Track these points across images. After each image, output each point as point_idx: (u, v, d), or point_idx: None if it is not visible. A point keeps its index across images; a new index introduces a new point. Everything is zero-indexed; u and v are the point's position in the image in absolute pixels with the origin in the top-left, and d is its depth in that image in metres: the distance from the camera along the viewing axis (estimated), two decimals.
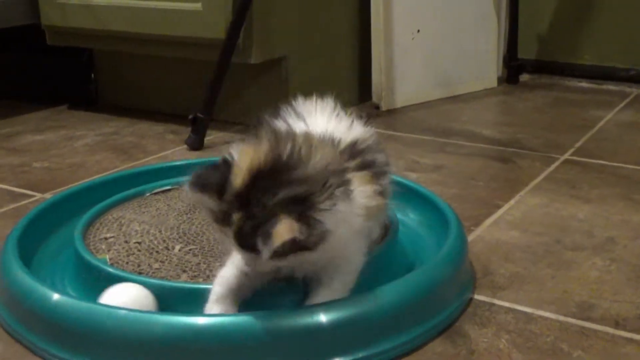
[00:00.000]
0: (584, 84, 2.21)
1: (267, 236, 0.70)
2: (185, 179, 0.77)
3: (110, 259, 0.98)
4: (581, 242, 1.16)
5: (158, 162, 1.54)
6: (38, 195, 1.39)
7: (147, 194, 1.20)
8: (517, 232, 1.20)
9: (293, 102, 0.93)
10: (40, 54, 2.04)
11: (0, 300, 0.93)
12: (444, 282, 0.92)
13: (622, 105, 1.99)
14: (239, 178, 0.74)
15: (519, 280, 1.04)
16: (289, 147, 0.76)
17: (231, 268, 0.84)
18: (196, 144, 1.65)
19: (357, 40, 1.98)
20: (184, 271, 0.95)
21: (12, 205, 1.34)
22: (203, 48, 1.67)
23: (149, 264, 0.96)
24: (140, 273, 0.94)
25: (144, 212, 1.13)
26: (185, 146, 1.66)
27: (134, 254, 1.00)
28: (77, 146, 1.70)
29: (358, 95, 2.00)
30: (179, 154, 1.63)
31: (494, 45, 2.14)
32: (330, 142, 0.82)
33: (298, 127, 0.85)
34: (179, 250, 1.00)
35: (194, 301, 0.84)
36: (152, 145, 1.70)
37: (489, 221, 1.25)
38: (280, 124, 0.87)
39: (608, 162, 1.54)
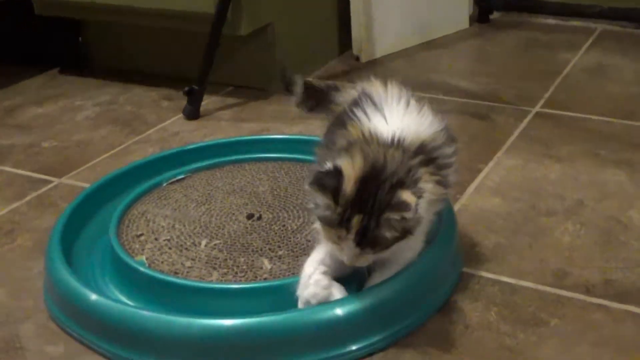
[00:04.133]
0: (551, 21, 2.32)
1: (400, 203, 0.86)
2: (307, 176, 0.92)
3: (146, 259, 1.11)
4: (554, 206, 1.31)
5: (161, 142, 1.65)
6: (56, 181, 1.49)
7: (164, 184, 1.32)
8: (498, 198, 1.34)
9: (370, 88, 1.04)
10: (29, 16, 2.07)
11: (49, 297, 1.07)
12: (442, 264, 1.07)
13: (587, 44, 2.11)
14: (350, 185, 0.87)
15: (502, 251, 1.19)
16: (376, 157, 0.90)
17: (321, 253, 0.98)
18: (193, 114, 1.75)
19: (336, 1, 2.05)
20: (214, 268, 1.08)
21: (34, 194, 1.45)
22: (193, 20, 1.75)
23: (181, 263, 1.10)
24: (176, 273, 1.07)
25: (165, 205, 1.26)
26: (182, 116, 1.76)
27: (165, 252, 1.13)
28: (80, 120, 1.80)
29: (339, 48, 2.10)
30: (177, 125, 1.73)
31: None
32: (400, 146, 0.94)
33: (376, 120, 0.97)
34: (205, 246, 1.14)
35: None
36: (151, 114, 1.80)
37: (471, 188, 1.39)
38: (360, 116, 0.98)
39: (577, 113, 1.66)
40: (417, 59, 2.08)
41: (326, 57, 2.07)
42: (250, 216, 1.21)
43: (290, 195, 1.27)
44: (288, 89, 1.19)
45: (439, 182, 0.97)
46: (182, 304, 1.00)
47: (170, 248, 1.14)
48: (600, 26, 2.24)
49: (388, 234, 0.88)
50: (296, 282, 0.98)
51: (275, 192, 1.28)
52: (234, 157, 1.40)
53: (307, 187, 0.90)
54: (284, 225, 1.18)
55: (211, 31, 1.69)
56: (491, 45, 2.18)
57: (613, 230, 1.22)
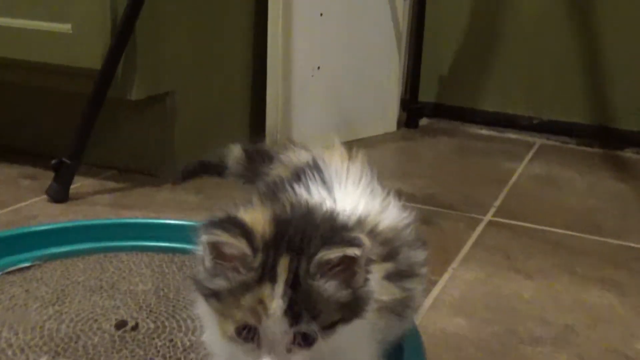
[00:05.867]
0: (485, 132, 2.09)
1: (349, 237, 0.56)
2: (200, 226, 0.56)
3: None
4: (537, 332, 0.99)
5: (10, 227, 1.24)
6: None
7: None
8: (462, 319, 1.01)
9: (318, 161, 0.75)
10: None
11: None
12: None
13: (529, 156, 1.88)
14: (262, 227, 0.57)
15: None
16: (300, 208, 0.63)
17: None
18: (60, 195, 1.36)
19: (251, 76, 1.75)
20: None
21: None
22: (73, 78, 1.39)
23: None
24: None
25: None
26: (45, 197, 1.36)
27: None
28: None
29: (249, 135, 1.76)
30: (37, 207, 1.33)
31: (396, 86, 1.98)
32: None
33: (321, 198, 0.68)
34: None
35: None
36: (4, 194, 1.39)
37: (427, 303, 1.05)
38: (300, 192, 0.69)
39: (535, 225, 1.39)
40: None
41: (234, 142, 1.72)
42: (120, 324, 0.82)
43: (184, 298, 0.89)
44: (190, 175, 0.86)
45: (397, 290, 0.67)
46: None
47: None
48: (539, 140, 2.03)
49: (331, 289, 0.55)
50: None
51: (162, 293, 0.90)
52: (105, 244, 1.01)
53: (206, 232, 0.56)
54: (171, 340, 0.79)
55: (94, 89, 1.32)
56: (423, 149, 1.91)
57: None
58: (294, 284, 0.54)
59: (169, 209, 1.35)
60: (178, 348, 0.77)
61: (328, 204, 0.67)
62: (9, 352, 0.75)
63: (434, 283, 1.12)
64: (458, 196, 1.53)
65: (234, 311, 0.55)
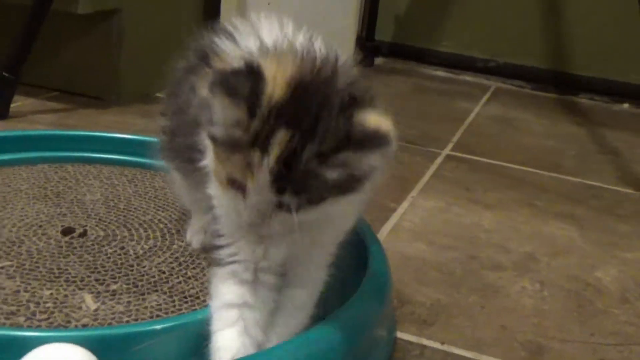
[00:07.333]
0: (441, 73, 2.06)
1: (375, 134, 0.49)
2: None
3: None
4: (498, 258, 0.97)
5: None
6: None
7: None
8: (423, 244, 0.98)
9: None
10: None
11: None
12: (374, 325, 0.67)
13: (486, 97, 1.86)
14: (278, 88, 0.50)
15: (445, 312, 0.82)
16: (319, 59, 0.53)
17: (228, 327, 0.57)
18: (0, 111, 1.27)
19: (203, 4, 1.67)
20: None
21: None
22: None
23: None
24: None
25: None
26: None
27: None
28: None
29: None
30: None
31: (353, 23, 1.92)
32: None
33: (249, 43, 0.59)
34: None
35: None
36: None
37: (386, 228, 1.02)
38: (226, 45, 0.61)
39: (493, 160, 1.37)
40: None
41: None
42: (68, 231, 0.76)
43: (136, 209, 0.83)
44: None
45: None
46: None
47: None
48: (494, 83, 2.00)
49: (330, 175, 0.50)
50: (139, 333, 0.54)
51: (112, 203, 0.84)
52: (50, 154, 0.94)
53: (205, 92, 0.50)
54: (122, 248, 0.74)
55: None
56: (378, 87, 1.86)
57: (583, 294, 0.89)
58: (289, 162, 0.48)
59: (114, 131, 1.28)
60: (130, 255, 0.72)
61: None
62: None
63: (393, 210, 1.09)
64: (415, 132, 1.49)
65: (226, 162, 0.50)
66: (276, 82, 0.50)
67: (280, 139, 0.48)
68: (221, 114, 0.49)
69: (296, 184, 0.49)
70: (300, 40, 0.60)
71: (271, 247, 0.56)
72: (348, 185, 0.51)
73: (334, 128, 0.49)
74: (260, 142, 0.48)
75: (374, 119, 0.50)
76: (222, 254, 0.57)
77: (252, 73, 0.50)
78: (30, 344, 0.52)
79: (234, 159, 0.49)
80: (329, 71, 0.53)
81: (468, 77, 2.03)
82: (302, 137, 0.48)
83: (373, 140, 0.49)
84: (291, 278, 0.60)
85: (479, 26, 2.01)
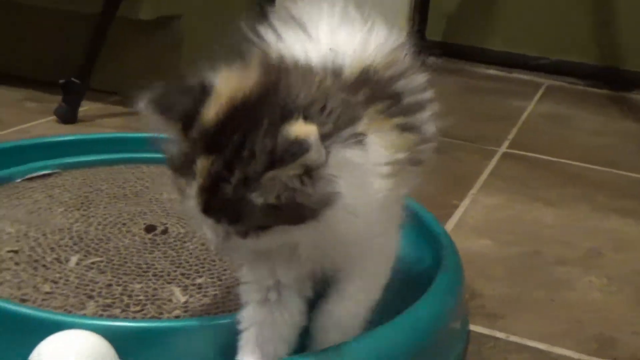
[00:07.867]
0: (491, 71, 2.06)
1: (290, 143, 0.45)
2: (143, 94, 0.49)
3: None
4: (563, 253, 0.98)
5: (22, 138, 1.21)
6: None
7: (18, 180, 0.88)
8: (487, 239, 1.00)
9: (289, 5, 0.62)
10: None
11: None
12: (449, 320, 0.69)
13: (538, 95, 1.86)
14: (213, 109, 0.48)
15: (514, 305, 0.83)
16: (284, 74, 0.50)
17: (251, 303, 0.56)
18: (69, 116, 1.32)
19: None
20: (90, 297, 0.65)
21: None
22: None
23: (35, 286, 0.66)
24: (24, 301, 0.64)
25: (15, 206, 0.82)
26: (53, 117, 1.33)
27: (9, 268, 0.69)
28: None
29: None
30: (45, 128, 1.30)
31: (404, 24, 1.94)
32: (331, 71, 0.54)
33: (293, 38, 0.57)
34: (77, 264, 0.71)
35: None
36: (8, 115, 1.35)
37: (450, 225, 1.04)
38: (268, 36, 0.58)
39: (549, 157, 1.38)
40: None
41: None
42: (150, 228, 0.80)
43: None
44: None
45: (406, 129, 0.57)
46: (31, 348, 0.56)
47: (17, 264, 0.70)
48: (546, 81, 2.00)
49: (257, 199, 0.47)
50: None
51: None
52: (127, 155, 0.98)
53: (142, 105, 0.50)
54: (203, 244, 0.77)
55: (103, 6, 1.28)
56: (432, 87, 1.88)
57: None
58: (213, 188, 0.46)
59: None
60: (211, 251, 0.75)
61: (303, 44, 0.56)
62: (39, 250, 0.73)
63: (455, 207, 1.10)
64: (470, 130, 1.50)
65: (174, 176, 0.50)
66: (217, 100, 0.48)
67: (201, 165, 0.47)
68: (156, 131, 0.49)
69: (228, 212, 0.47)
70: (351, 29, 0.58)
71: (279, 267, 0.54)
72: (294, 212, 0.47)
73: (260, 149, 0.46)
74: (186, 166, 0.47)
75: (296, 129, 0.45)
76: (239, 275, 0.57)
77: (201, 92, 0.49)
78: (123, 335, 0.55)
79: (172, 177, 0.49)
80: (277, 86, 0.49)
81: (519, 75, 2.03)
82: (227, 163, 0.46)
83: (290, 150, 0.45)
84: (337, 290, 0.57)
85: (529, 23, 2.01)
